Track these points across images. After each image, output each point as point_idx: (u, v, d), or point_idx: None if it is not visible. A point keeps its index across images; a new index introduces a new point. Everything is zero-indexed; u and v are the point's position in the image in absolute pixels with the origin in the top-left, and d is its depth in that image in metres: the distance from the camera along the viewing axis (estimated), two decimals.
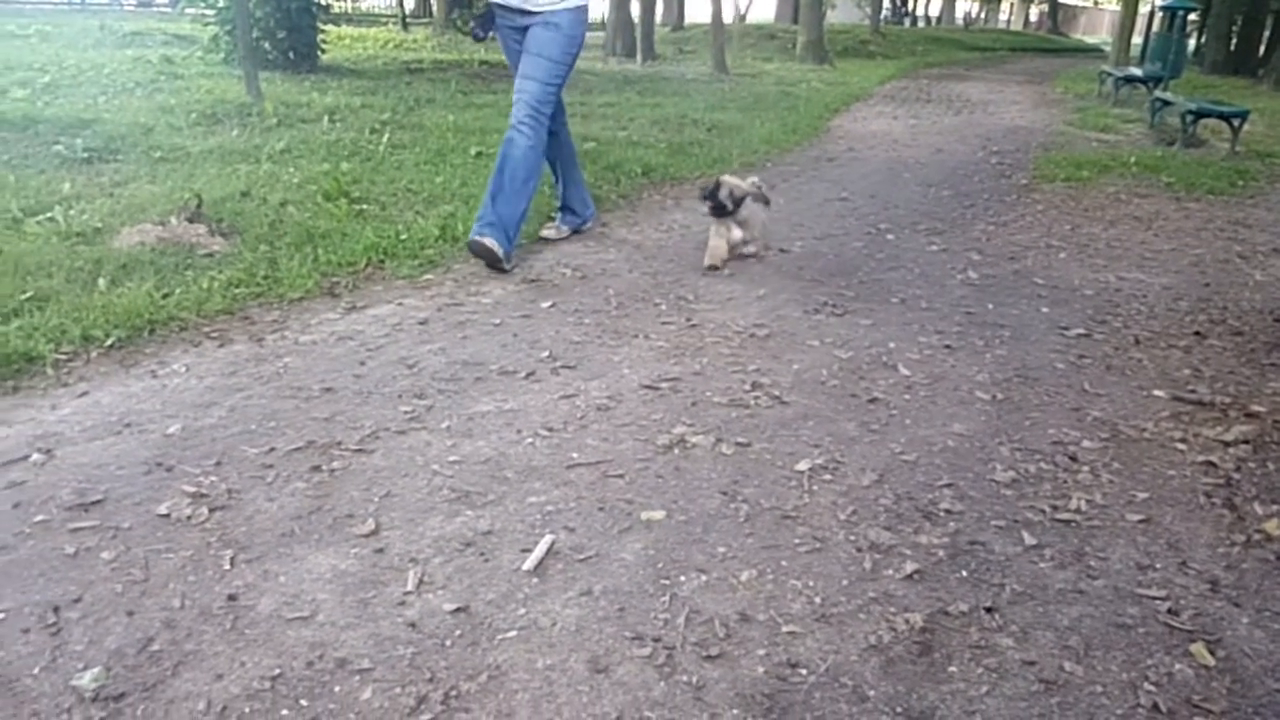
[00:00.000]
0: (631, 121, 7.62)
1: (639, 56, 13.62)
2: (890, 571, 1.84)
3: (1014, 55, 23.50)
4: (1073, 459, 2.35)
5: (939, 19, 39.23)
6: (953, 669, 1.58)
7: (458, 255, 4.04)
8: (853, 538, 1.95)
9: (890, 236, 4.59)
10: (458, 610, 1.70)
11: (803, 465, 2.24)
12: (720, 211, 3.92)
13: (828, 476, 2.20)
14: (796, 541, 1.93)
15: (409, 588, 1.76)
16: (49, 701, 1.45)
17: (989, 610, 1.74)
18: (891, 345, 3.07)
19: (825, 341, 3.09)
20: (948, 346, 3.09)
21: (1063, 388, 2.81)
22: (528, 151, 3.83)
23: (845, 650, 1.61)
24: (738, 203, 3.93)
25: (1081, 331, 3.31)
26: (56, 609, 1.67)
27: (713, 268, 3.90)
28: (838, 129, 8.46)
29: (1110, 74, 11.75)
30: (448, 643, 1.61)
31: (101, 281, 3.28)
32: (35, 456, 2.21)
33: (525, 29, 3.90)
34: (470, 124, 6.86)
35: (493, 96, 8.52)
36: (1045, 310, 3.54)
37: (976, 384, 2.80)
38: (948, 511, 2.07)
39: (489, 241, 3.74)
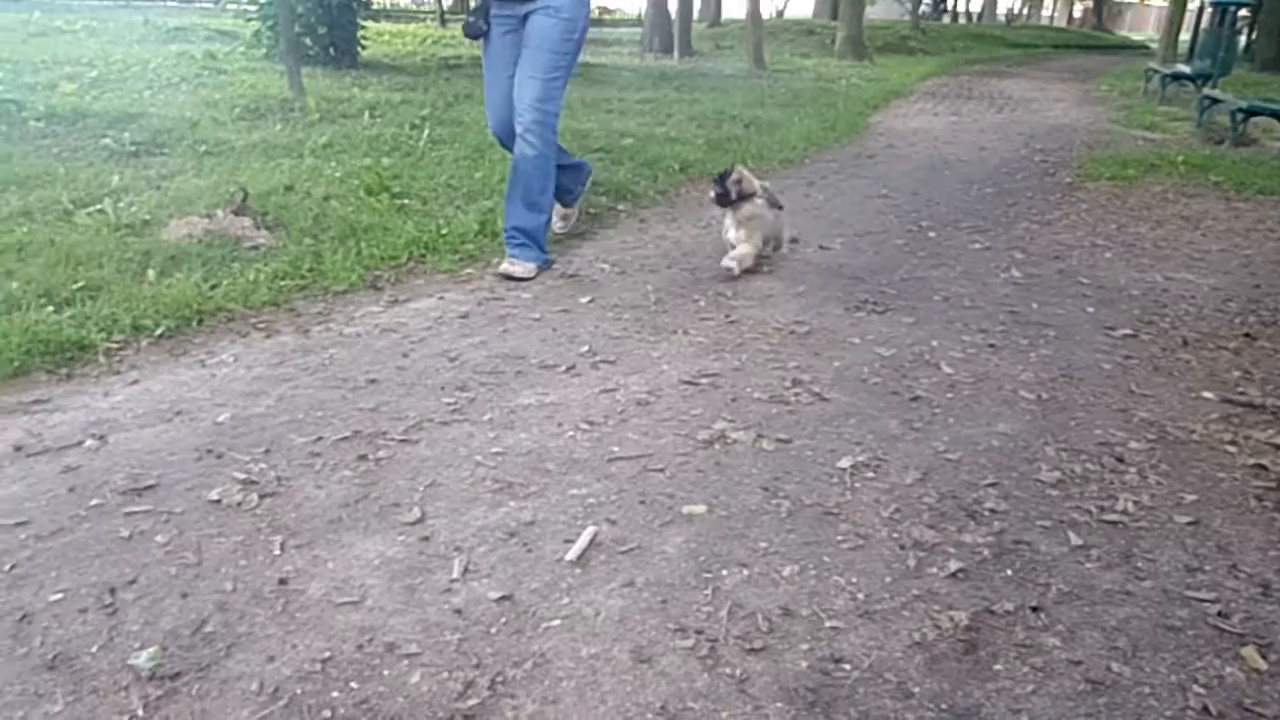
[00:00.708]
0: (669, 117, 7.61)
1: (676, 52, 13.60)
2: (934, 569, 1.83)
3: (1057, 52, 23.14)
4: (1119, 460, 2.32)
5: (980, 15, 38.73)
6: (998, 667, 1.57)
7: (497, 250, 4.07)
8: (896, 535, 1.94)
9: (932, 234, 4.55)
10: (502, 598, 1.72)
11: (844, 462, 2.23)
12: (723, 200, 3.79)
13: (870, 474, 2.19)
14: (839, 538, 1.92)
15: (455, 575, 1.78)
16: (107, 679, 1.49)
17: (1035, 610, 1.72)
18: (934, 343, 3.05)
19: (866, 339, 3.07)
20: (991, 345, 3.06)
21: (1109, 388, 2.77)
22: (538, 162, 3.64)
23: (889, 646, 1.61)
24: (742, 197, 3.76)
25: (1128, 332, 3.26)
26: (113, 590, 1.71)
27: (733, 272, 3.71)
28: (877, 126, 8.40)
29: (1157, 71, 11.54)
30: (493, 630, 1.63)
31: (150, 272, 3.35)
32: (89, 442, 2.27)
33: (525, 17, 3.59)
34: None
35: None
36: (1091, 310, 3.49)
37: (1021, 383, 2.77)
38: (992, 511, 2.06)
39: (518, 269, 3.67)
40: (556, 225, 4.18)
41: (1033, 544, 1.94)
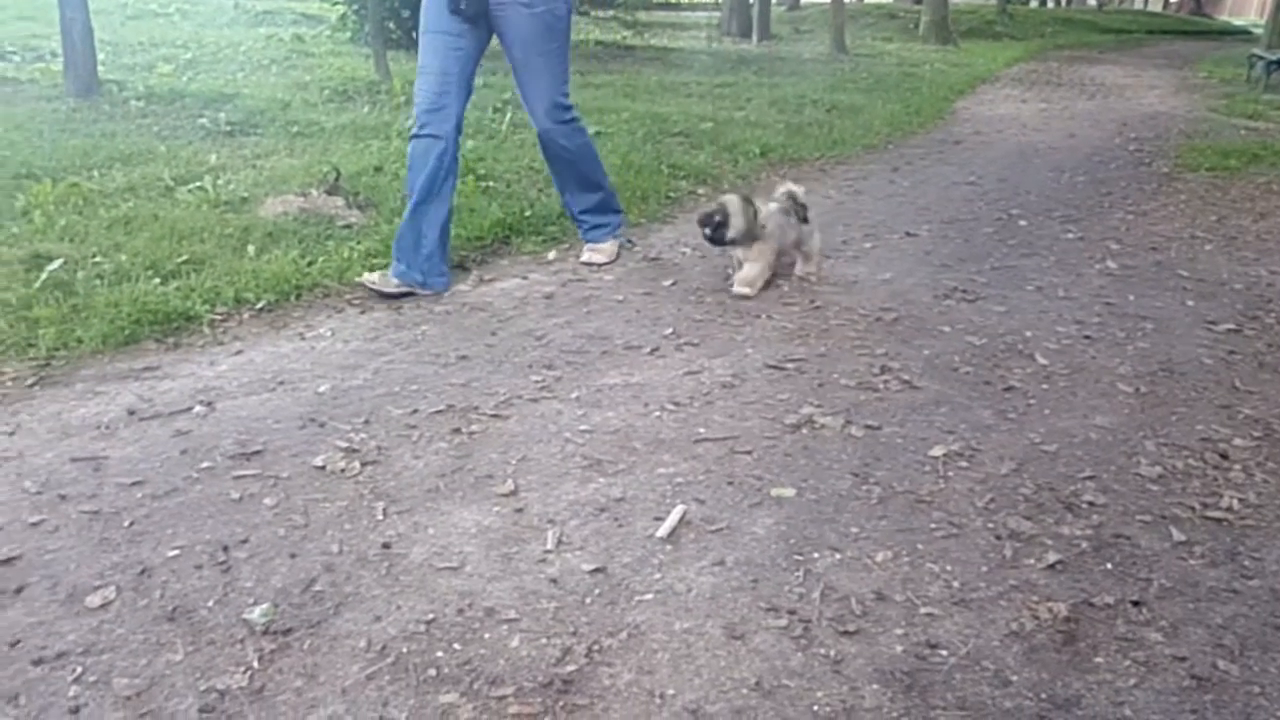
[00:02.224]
0: (749, 102, 7.56)
1: (754, 36, 13.47)
2: (1031, 560, 1.80)
3: (1152, 38, 22.24)
4: (1223, 457, 2.25)
5: None
6: (1098, 660, 1.54)
7: (579, 233, 4.11)
8: (991, 525, 1.92)
9: (1023, 223, 4.44)
10: (596, 570, 1.75)
11: (937, 451, 2.20)
12: (717, 241, 3.29)
13: (963, 463, 2.16)
14: (932, 526, 1.90)
15: (549, 546, 1.82)
16: (223, 632, 1.57)
17: (1136, 604, 1.69)
18: (1027, 334, 2.98)
19: (956, 327, 3.02)
20: (1087, 337, 2.98)
21: (1211, 384, 2.68)
22: (579, 152, 3.55)
23: (986, 635, 1.59)
24: (749, 238, 3.26)
25: (1231, 327, 3.14)
26: (226, 548, 1.79)
27: (747, 296, 3.32)
28: (963, 112, 8.21)
29: (1261, 58, 11.01)
30: (587, 600, 1.66)
31: (250, 248, 3.47)
32: (198, 408, 2.37)
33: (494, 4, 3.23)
34: (589, 103, 6.92)
35: (609, 77, 8.58)
36: (1190, 303, 3.37)
37: (1118, 376, 2.70)
38: (1090, 504, 2.01)
39: (599, 255, 3.67)
40: (371, 278, 3.28)
41: (1133, 538, 1.90)
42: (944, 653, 1.54)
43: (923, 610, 1.65)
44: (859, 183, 5.24)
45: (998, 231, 4.27)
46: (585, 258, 3.70)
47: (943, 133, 7.08)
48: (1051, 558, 1.81)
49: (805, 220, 3.44)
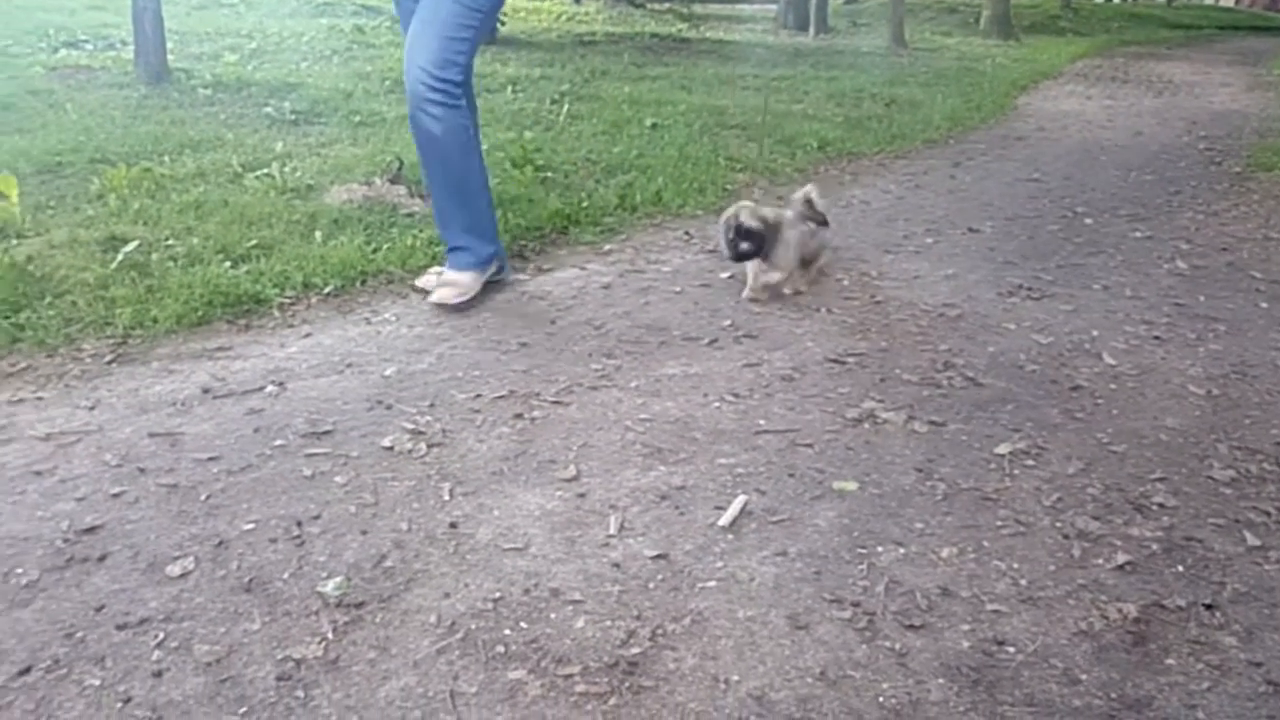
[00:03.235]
0: (806, 95, 7.50)
1: (811, 29, 13.35)
2: (1100, 561, 1.78)
3: (1223, 34, 21.58)
4: None
5: None
6: (1170, 662, 1.52)
7: (637, 224, 4.13)
8: (1059, 524, 1.89)
9: (1088, 221, 4.35)
10: (658, 556, 1.76)
11: (1002, 448, 2.18)
12: (741, 257, 3.08)
13: (1030, 462, 2.13)
14: (998, 524, 1.89)
15: (611, 531, 1.84)
16: (298, 604, 1.61)
17: (1209, 607, 1.66)
18: (1095, 333, 2.93)
19: (1022, 325, 2.98)
20: (1156, 338, 2.92)
21: None
22: (449, 138, 2.86)
23: (1054, 633, 1.57)
24: (760, 241, 3.05)
25: None
26: (299, 523, 1.84)
27: (753, 299, 3.17)
28: (1025, 107, 8.05)
29: None
30: (650, 585, 1.68)
31: (317, 234, 3.54)
32: (270, 388, 2.43)
33: None
34: (645, 96, 6.93)
35: (665, 69, 8.57)
36: (1264, 305, 3.28)
37: (1189, 378, 2.64)
38: (1161, 506, 1.98)
39: (448, 291, 2.95)
40: (426, 280, 3.19)
41: (1205, 541, 1.86)
42: (1011, 649, 1.53)
43: (989, 607, 1.63)
44: (919, 178, 5.18)
45: (1063, 229, 4.19)
46: (428, 285, 3.02)
47: (1005, 128, 6.96)
48: (1121, 558, 1.78)
49: (825, 224, 3.29)
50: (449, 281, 3.00)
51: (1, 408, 2.30)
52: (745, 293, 3.20)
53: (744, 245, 3.04)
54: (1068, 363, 2.70)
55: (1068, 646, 1.54)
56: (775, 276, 3.17)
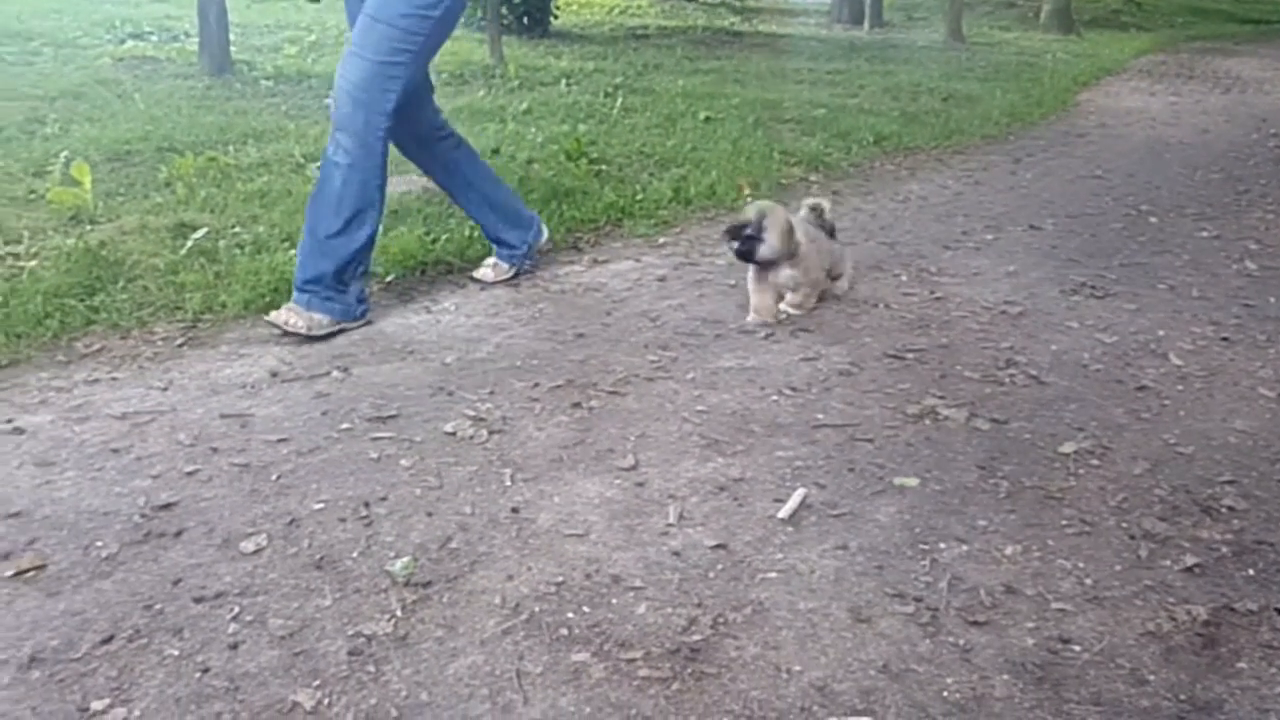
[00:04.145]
0: (861, 89, 7.43)
1: (866, 23, 13.20)
2: (1167, 562, 1.75)
3: None
4: None
5: None
6: (1241, 665, 1.49)
7: (690, 217, 4.13)
8: (1125, 525, 1.86)
9: (1153, 219, 4.26)
10: (718, 546, 1.77)
11: (1067, 448, 2.15)
12: (746, 257, 2.80)
13: (1094, 461, 2.10)
14: (1063, 523, 1.86)
15: (670, 520, 1.85)
16: (368, 581, 1.65)
17: None
18: (1160, 333, 2.87)
19: (1085, 324, 2.93)
20: (1224, 339, 2.85)
21: None
22: (349, 173, 2.63)
23: (1120, 633, 1.55)
24: (789, 257, 2.79)
25: None
26: (367, 504, 1.88)
27: (763, 324, 2.88)
28: (1087, 103, 7.89)
29: None
30: (710, 574, 1.69)
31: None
32: (335, 373, 2.49)
33: None
34: (698, 89, 6.92)
35: (717, 62, 8.55)
36: None
37: (1259, 380, 2.57)
38: (1230, 508, 1.93)
39: (295, 318, 2.64)
40: (483, 272, 3.23)
41: (1277, 546, 1.82)
42: (1077, 648, 1.51)
43: (1054, 605, 1.62)
44: (978, 173, 5.11)
45: (1126, 227, 4.10)
46: (273, 315, 2.67)
47: (1066, 125, 6.82)
48: (1189, 560, 1.75)
49: (832, 236, 3.07)
50: (296, 308, 2.67)
51: (79, 387, 2.38)
52: (750, 318, 2.89)
53: (735, 244, 2.77)
54: (1133, 362, 2.65)
55: (1135, 647, 1.52)
56: (801, 294, 2.92)
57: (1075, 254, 3.67)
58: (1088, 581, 1.69)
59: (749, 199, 3.05)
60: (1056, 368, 2.60)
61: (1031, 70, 9.37)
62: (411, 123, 2.86)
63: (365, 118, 2.62)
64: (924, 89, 7.58)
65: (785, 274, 2.85)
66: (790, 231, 2.76)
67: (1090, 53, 11.70)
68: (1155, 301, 3.16)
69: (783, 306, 2.94)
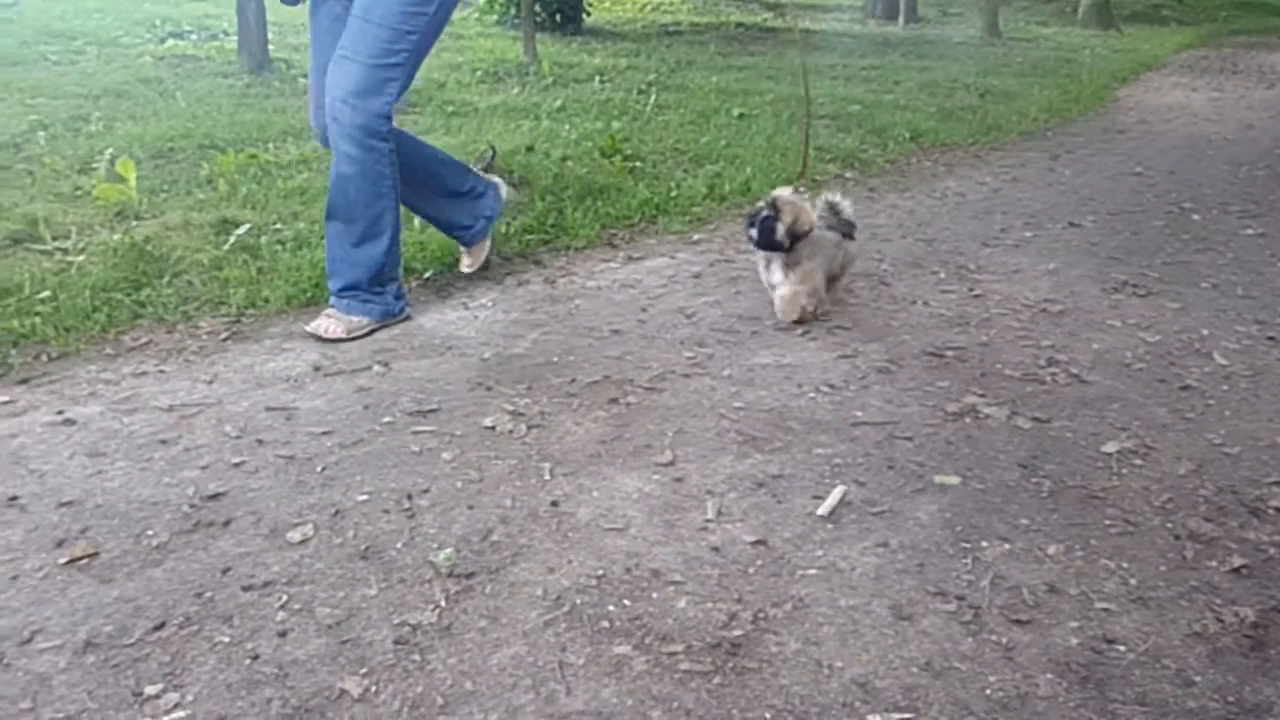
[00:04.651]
0: (897, 85, 7.37)
1: (900, 18, 13.09)
2: (1213, 563, 1.73)
3: None
4: None
5: None
6: None
7: (725, 214, 4.12)
8: (1169, 525, 1.84)
9: (1196, 217, 4.19)
10: (757, 542, 1.77)
11: (1110, 447, 2.13)
12: (769, 246, 2.75)
13: (1138, 461, 2.08)
14: (1106, 523, 1.85)
15: (709, 516, 1.86)
16: (411, 572, 1.67)
17: None
18: (1204, 332, 2.83)
19: (1128, 322, 2.89)
20: (1270, 338, 2.80)
21: None
22: (361, 180, 2.62)
23: (1166, 634, 1.54)
24: (797, 238, 2.73)
25: None
26: (410, 496, 1.91)
27: (798, 321, 2.82)
28: (1127, 99, 7.78)
29: None
30: (750, 570, 1.69)
31: (416, 221, 3.63)
32: (376, 367, 2.52)
33: None
34: (732, 86, 6.90)
35: (751, 59, 8.52)
36: None
37: None
38: (1278, 510, 1.91)
39: (333, 325, 2.67)
40: (464, 265, 3.20)
41: None
42: (1121, 648, 1.50)
43: (1098, 605, 1.60)
44: (1016, 170, 5.06)
45: (1169, 225, 4.04)
46: (312, 325, 2.69)
47: (1105, 121, 6.73)
48: (1236, 561, 1.73)
49: (851, 236, 2.92)
50: (335, 314, 2.72)
51: (127, 379, 2.44)
52: (781, 316, 2.85)
53: (753, 232, 2.75)
54: (1176, 362, 2.62)
55: (1181, 648, 1.51)
56: (800, 294, 2.80)
57: (1116, 252, 3.63)
58: (1132, 582, 1.67)
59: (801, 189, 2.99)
60: (1098, 366, 2.57)
61: (1070, 66, 9.25)
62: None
63: (365, 122, 2.57)
64: (960, 85, 7.51)
65: (778, 276, 2.82)
66: (807, 218, 2.75)
67: (1130, 48, 11.53)
68: (1199, 300, 3.11)
69: (781, 316, 2.85)
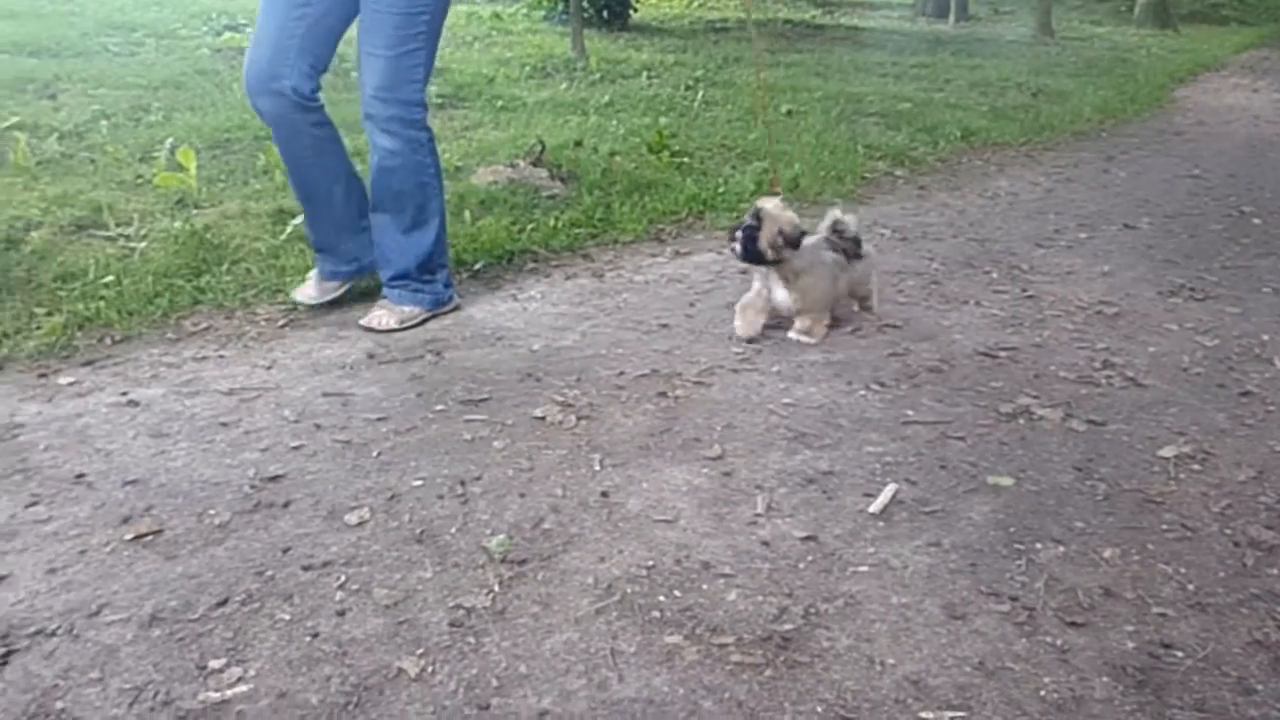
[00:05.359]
0: (947, 83, 7.29)
1: (951, 17, 12.94)
2: (1274, 571, 1.70)
3: None
4: None
5: None
6: None
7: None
8: (1228, 531, 1.81)
9: (1256, 221, 4.10)
10: (807, 538, 1.77)
11: (1167, 451, 2.10)
12: (753, 257, 2.62)
13: (1196, 466, 2.04)
14: (1163, 527, 1.82)
15: (759, 510, 1.86)
16: (465, 557, 1.70)
17: None
18: (1265, 337, 2.77)
19: (1185, 326, 2.84)
20: None
21: None
22: (405, 171, 2.68)
23: (1225, 641, 1.51)
24: (782, 247, 2.58)
25: None
26: (463, 483, 1.93)
27: (749, 340, 2.69)
28: (1184, 100, 7.62)
29: None
30: (800, 565, 1.70)
31: (466, 214, 3.67)
32: (428, 356, 2.55)
33: None
34: (779, 82, 6.87)
35: (798, 56, 8.47)
36: None
37: None
38: None
39: (385, 315, 2.72)
40: (301, 292, 2.85)
41: None
42: (1179, 654, 1.48)
43: (1155, 610, 1.58)
44: (1069, 170, 4.98)
45: (1228, 229, 3.96)
46: (364, 320, 2.73)
47: (1161, 122, 6.60)
48: None
49: (859, 256, 2.77)
50: (389, 304, 2.76)
51: (188, 363, 2.50)
52: (791, 333, 2.72)
53: (735, 245, 2.62)
54: (1236, 367, 2.57)
55: (1241, 655, 1.48)
56: (809, 322, 2.70)
57: (1173, 255, 3.56)
58: (1190, 587, 1.65)
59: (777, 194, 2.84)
60: (1155, 370, 2.53)
61: (1125, 66, 9.08)
62: (294, 91, 2.61)
63: (398, 113, 2.64)
64: (1012, 84, 7.41)
65: (780, 295, 2.68)
66: (793, 229, 2.58)
67: (1188, 48, 11.28)
68: (1259, 305, 3.04)
69: (790, 334, 2.72)
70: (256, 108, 2.66)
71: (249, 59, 2.60)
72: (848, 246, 2.75)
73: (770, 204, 2.63)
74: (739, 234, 2.61)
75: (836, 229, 2.76)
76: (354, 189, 2.82)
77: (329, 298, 2.85)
